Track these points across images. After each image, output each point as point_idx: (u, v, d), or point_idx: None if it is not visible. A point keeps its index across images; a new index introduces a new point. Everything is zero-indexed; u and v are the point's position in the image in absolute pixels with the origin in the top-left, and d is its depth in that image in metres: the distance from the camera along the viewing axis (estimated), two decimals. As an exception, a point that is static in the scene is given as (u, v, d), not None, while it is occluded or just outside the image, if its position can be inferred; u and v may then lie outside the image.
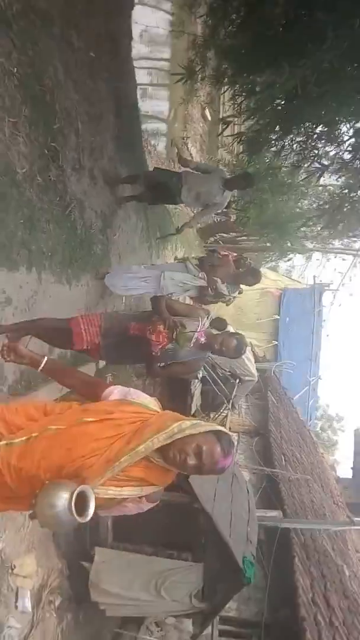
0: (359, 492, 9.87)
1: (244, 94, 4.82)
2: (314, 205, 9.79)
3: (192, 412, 6.19)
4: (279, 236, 10.18)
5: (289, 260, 14.50)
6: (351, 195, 4.87)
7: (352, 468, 11.35)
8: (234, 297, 5.51)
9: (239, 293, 5.63)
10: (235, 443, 1.85)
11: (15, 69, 3.16)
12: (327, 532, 5.46)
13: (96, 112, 4.81)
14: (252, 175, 5.33)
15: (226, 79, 5.05)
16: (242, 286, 5.53)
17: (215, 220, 15.70)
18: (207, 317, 3.64)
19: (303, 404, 13.80)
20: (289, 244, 11.17)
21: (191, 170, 5.27)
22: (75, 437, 1.78)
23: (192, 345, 3.43)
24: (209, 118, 16.36)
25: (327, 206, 6.30)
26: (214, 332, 3.78)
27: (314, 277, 14.95)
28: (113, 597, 3.32)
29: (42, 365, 2.08)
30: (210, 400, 6.97)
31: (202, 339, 3.47)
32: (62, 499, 1.57)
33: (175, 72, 5.99)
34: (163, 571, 3.33)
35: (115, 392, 1.99)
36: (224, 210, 8.30)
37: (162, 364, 3.47)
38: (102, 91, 5.02)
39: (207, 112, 16.26)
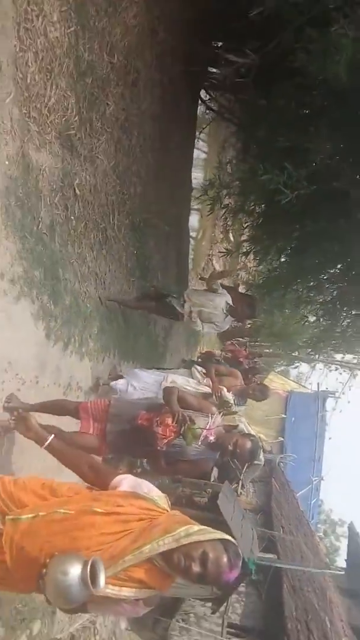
0: (350, 580, 11.13)
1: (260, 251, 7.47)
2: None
3: (211, 480, 8.16)
4: (287, 345, 12.69)
5: (295, 367, 16.92)
6: (333, 329, 7.34)
7: (345, 560, 12.52)
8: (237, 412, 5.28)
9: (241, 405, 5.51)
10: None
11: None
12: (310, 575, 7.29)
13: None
14: (257, 305, 5.46)
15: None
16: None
17: (232, 325, 18.42)
18: (219, 415, 3.62)
19: (305, 503, 15.27)
20: (296, 353, 13.68)
21: (197, 289, 5.39)
22: (82, 527, 1.79)
23: (199, 443, 3.36)
24: (232, 239, 19.81)
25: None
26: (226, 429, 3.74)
27: (318, 384, 17.26)
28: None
29: (47, 443, 2.09)
30: (225, 474, 8.93)
31: (211, 438, 3.39)
32: (75, 568, 1.60)
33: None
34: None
35: (124, 482, 1.99)
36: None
37: (168, 461, 3.40)
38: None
39: (230, 235, 19.75)
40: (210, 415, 3.49)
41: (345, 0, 4.70)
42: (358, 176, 5.56)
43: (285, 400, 14.95)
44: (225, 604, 5.93)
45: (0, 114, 2.72)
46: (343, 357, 15.87)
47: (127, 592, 1.77)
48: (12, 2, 2.82)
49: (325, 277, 6.98)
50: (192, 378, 5.00)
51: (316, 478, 15.89)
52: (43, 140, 3.33)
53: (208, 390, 4.72)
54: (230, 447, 3.26)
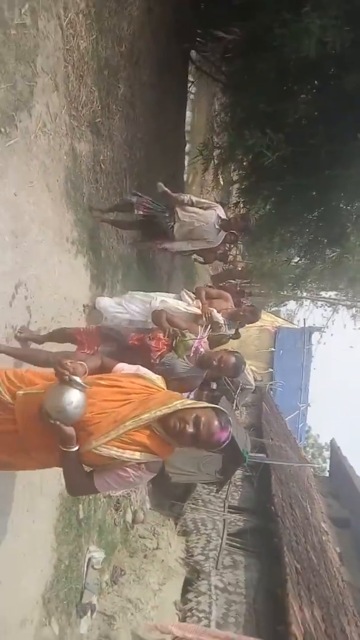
0: (332, 484, 13.20)
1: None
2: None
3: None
4: (276, 284, 14.02)
5: (284, 305, 18.40)
6: (312, 267, 8.65)
7: (328, 470, 14.61)
8: (229, 337, 5.26)
9: (233, 337, 5.43)
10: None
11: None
12: (295, 475, 9.08)
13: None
14: (250, 217, 5.46)
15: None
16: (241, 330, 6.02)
17: (224, 268, 19.63)
18: (206, 330, 3.80)
19: (294, 426, 17.22)
20: (284, 292, 15.08)
21: (187, 206, 5.08)
22: (88, 394, 2.00)
23: (191, 354, 3.51)
24: (222, 183, 20.62)
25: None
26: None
27: (304, 319, 18.86)
28: (175, 469, 6.77)
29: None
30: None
31: (202, 349, 3.56)
32: (63, 384, 1.94)
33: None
34: (203, 457, 6.83)
35: (125, 367, 2.30)
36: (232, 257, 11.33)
37: None
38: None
39: (219, 178, 20.54)
40: (199, 330, 3.75)
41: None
42: (329, 133, 6.66)
43: (274, 335, 16.51)
44: (225, 490, 7.64)
45: (58, 123, 3.85)
46: (327, 295, 17.36)
47: (129, 454, 1.99)
48: (61, 36, 3.88)
49: (304, 223, 8.20)
50: (182, 301, 4.86)
51: (303, 405, 17.79)
52: (81, 132, 4.45)
53: (198, 311, 4.73)
54: (215, 363, 3.38)
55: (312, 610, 5.29)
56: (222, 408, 2.10)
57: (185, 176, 14.46)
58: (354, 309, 17.39)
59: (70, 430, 1.92)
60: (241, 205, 9.71)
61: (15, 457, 2.07)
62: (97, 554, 4.56)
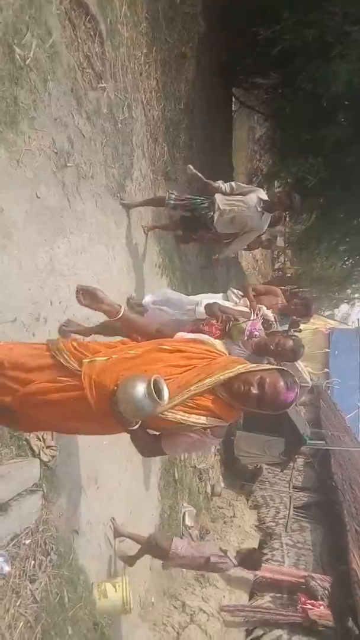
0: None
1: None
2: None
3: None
4: (326, 288, 15.01)
5: (336, 307, 19.20)
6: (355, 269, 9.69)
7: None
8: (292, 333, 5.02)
9: (294, 330, 5.24)
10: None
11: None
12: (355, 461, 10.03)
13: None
14: (294, 195, 5.09)
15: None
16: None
17: (273, 275, 20.68)
18: (260, 314, 3.86)
19: (354, 426, 17.91)
20: (335, 294, 15.99)
21: (224, 193, 4.92)
22: (151, 361, 2.05)
23: (246, 338, 3.55)
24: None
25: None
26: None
27: (358, 320, 19.55)
28: (244, 452, 7.98)
29: (121, 313, 2.21)
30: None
31: (256, 333, 3.61)
32: (141, 383, 1.83)
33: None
34: (267, 441, 8.00)
35: (186, 335, 2.34)
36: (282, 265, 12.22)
37: None
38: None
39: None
40: (252, 312, 3.87)
41: (338, 35, 6.86)
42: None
43: (327, 337, 17.36)
44: (290, 471, 8.75)
45: (146, 180, 5.26)
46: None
47: (195, 418, 1.99)
48: (144, 115, 5.30)
49: (346, 230, 9.28)
50: (229, 301, 4.70)
51: (362, 403, 18.42)
52: (158, 182, 5.83)
53: (246, 309, 4.45)
54: (272, 347, 3.36)
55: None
56: (287, 369, 2.09)
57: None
58: None
59: (133, 422, 1.99)
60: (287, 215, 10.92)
61: (84, 422, 2.10)
62: (190, 510, 5.84)
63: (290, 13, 7.11)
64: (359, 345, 18.41)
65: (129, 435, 2.08)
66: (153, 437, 2.10)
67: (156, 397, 1.82)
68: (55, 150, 3.28)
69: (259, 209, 4.87)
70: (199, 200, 4.89)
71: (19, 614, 2.53)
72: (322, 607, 5.13)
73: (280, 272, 19.66)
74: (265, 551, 6.55)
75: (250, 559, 4.47)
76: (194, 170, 5.07)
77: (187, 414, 2.00)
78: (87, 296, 2.19)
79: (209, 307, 3.86)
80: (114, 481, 4.14)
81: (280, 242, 15.38)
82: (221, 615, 5.22)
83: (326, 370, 16.94)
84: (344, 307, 22.84)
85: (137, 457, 4.65)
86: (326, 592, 5.40)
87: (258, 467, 8.69)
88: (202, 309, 4.18)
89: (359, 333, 18.58)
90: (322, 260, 11.77)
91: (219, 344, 2.32)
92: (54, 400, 1.99)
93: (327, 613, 5.06)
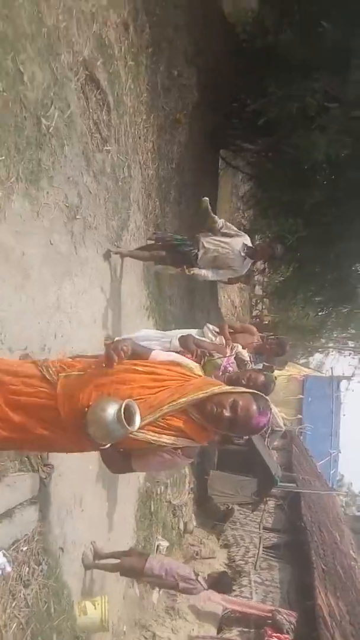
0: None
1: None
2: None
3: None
4: (301, 336, 15.67)
5: (311, 356, 19.87)
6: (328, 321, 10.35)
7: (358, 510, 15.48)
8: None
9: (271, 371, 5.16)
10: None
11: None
12: (325, 506, 10.32)
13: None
14: (277, 245, 5.29)
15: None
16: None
17: (251, 322, 21.37)
18: (235, 350, 3.95)
19: (325, 473, 18.22)
20: (309, 343, 16.65)
21: (212, 235, 5.08)
22: (124, 381, 2.05)
23: (220, 373, 3.63)
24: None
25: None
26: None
27: (331, 368, 20.23)
28: (217, 492, 8.23)
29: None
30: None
31: (230, 368, 3.73)
32: (113, 407, 1.82)
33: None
34: (240, 481, 8.30)
35: (162, 355, 2.30)
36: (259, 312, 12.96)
37: None
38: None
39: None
40: (228, 348, 3.92)
41: (319, 110, 7.70)
42: (338, 214, 8.53)
43: (301, 383, 17.91)
44: (260, 512, 9.02)
45: (139, 231, 5.81)
46: (354, 344, 18.81)
47: (166, 439, 1.99)
48: (140, 174, 5.91)
49: (321, 284, 9.97)
50: (204, 337, 4.59)
51: (334, 451, 18.82)
52: (149, 232, 6.40)
53: (222, 345, 4.43)
54: (244, 382, 3.31)
55: (338, 602, 6.58)
56: (260, 393, 2.10)
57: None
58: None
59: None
60: (266, 267, 11.64)
61: (53, 434, 2.09)
62: (163, 543, 6.07)
63: (275, 88, 7.98)
64: (332, 393, 19.00)
65: (99, 452, 2.11)
66: (123, 454, 2.11)
67: (126, 424, 1.81)
68: (67, 204, 3.78)
69: (242, 254, 5.07)
70: (180, 238, 5.11)
71: (14, 615, 2.81)
72: (287, 639, 5.36)
73: (258, 319, 20.40)
74: (234, 588, 6.74)
75: (220, 582, 4.74)
76: (208, 205, 5.20)
77: (157, 434, 2.00)
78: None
79: (183, 340, 3.89)
80: (96, 506, 4.43)
81: (258, 290, 16.11)
82: (190, 647, 5.40)
83: (299, 416, 17.39)
84: (318, 356, 23.64)
85: (119, 486, 4.97)
86: (292, 626, 5.63)
87: (230, 507, 8.93)
88: (176, 342, 4.14)
89: (332, 381, 19.21)
90: (298, 310, 12.43)
91: (195, 367, 2.27)
92: (28, 404, 2.04)
93: (292, 646, 5.30)
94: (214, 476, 8.49)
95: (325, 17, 7.42)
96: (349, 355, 19.87)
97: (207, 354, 3.67)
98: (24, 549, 2.95)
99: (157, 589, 5.87)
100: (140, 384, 2.06)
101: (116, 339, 4.05)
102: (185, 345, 3.83)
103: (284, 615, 5.78)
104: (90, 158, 4.31)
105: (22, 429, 2.07)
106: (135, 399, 1.95)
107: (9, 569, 2.70)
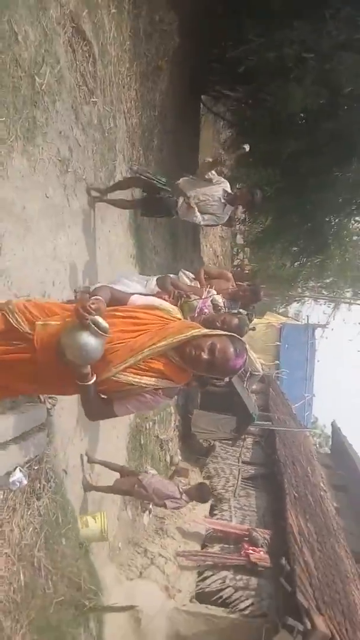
0: (333, 459, 15.26)
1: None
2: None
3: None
4: (280, 286, 16.17)
5: (289, 305, 20.51)
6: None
7: (330, 448, 16.59)
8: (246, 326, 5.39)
9: (249, 327, 6.03)
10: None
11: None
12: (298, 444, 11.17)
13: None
14: (258, 191, 5.28)
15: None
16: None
17: (232, 270, 21.80)
18: (210, 293, 3.97)
19: (300, 415, 19.26)
20: (288, 292, 17.19)
21: (189, 178, 5.09)
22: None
23: (196, 315, 3.66)
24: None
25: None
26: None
27: (307, 316, 20.97)
28: (200, 429, 8.90)
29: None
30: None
31: (206, 310, 3.76)
32: (83, 328, 1.88)
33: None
34: (221, 419, 8.96)
35: (141, 299, 2.33)
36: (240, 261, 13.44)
37: None
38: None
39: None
40: (204, 289, 3.99)
41: (296, 60, 7.80)
42: (314, 165, 8.80)
43: (279, 331, 18.59)
44: (239, 447, 9.76)
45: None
46: (328, 293, 19.45)
47: (147, 380, 2.08)
48: (125, 124, 6.04)
49: (297, 234, 10.34)
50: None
51: (308, 394, 19.83)
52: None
53: (198, 287, 4.58)
54: (218, 324, 3.34)
55: (307, 523, 7.37)
56: (238, 336, 2.17)
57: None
58: (350, 305, 19.57)
59: (84, 368, 1.99)
60: (246, 216, 11.94)
61: (34, 385, 2.15)
62: (152, 471, 6.66)
63: (254, 35, 8.00)
64: (307, 340, 19.78)
65: (80, 396, 2.14)
66: (104, 399, 2.15)
67: (98, 330, 1.88)
68: (59, 159, 4.01)
69: (223, 201, 5.06)
70: (163, 180, 4.97)
71: (29, 521, 3.30)
72: (261, 553, 6.10)
73: (239, 268, 20.80)
74: (215, 512, 7.49)
75: (200, 492, 5.32)
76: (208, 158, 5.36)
77: (138, 376, 2.07)
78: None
79: (161, 281, 3.97)
80: (93, 437, 4.91)
81: (239, 240, 16.41)
82: (177, 560, 6.10)
83: (277, 362, 18.17)
84: (296, 305, 24.36)
85: (112, 420, 5.45)
86: (266, 541, 6.38)
87: (212, 444, 9.64)
88: (153, 282, 4.21)
89: (307, 329, 19.96)
90: (277, 260, 12.84)
91: (174, 309, 2.31)
92: (6, 360, 2.04)
93: (266, 557, 6.03)
94: (197, 415, 9.12)
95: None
96: (324, 303, 20.58)
97: (184, 295, 3.86)
98: (36, 467, 3.41)
99: (147, 512, 6.54)
100: (120, 328, 2.10)
101: (92, 288, 3.82)
102: (163, 286, 3.94)
103: (259, 533, 6.51)
104: (78, 111, 4.49)
105: (1, 385, 2.14)
106: (116, 343, 2.06)
107: (25, 482, 3.16)
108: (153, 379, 2.09)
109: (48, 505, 3.57)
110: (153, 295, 3.66)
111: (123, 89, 6.04)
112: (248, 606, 5.46)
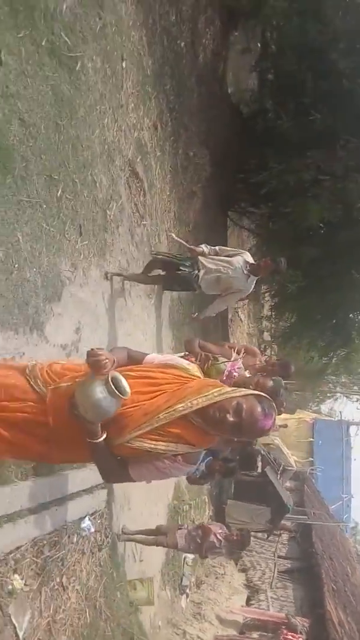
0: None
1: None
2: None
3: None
4: (310, 381, 16.75)
5: (320, 402, 20.86)
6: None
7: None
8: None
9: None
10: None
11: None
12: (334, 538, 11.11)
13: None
14: (282, 259, 5.21)
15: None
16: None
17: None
18: (240, 355, 3.88)
19: (338, 517, 18.73)
20: (319, 388, 17.71)
21: (210, 254, 5.16)
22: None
23: (224, 378, 3.57)
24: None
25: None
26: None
27: (340, 412, 21.13)
28: (234, 520, 9.15)
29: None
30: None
31: (235, 373, 3.65)
32: (98, 381, 1.82)
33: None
34: (255, 509, 9.22)
35: (158, 358, 2.21)
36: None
37: None
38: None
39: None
40: (234, 352, 3.83)
41: (312, 182, 9.23)
42: (333, 269, 9.90)
43: (311, 427, 18.77)
44: (275, 541, 9.87)
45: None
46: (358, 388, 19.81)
47: (163, 446, 1.95)
48: (165, 239, 7.34)
49: (322, 329, 11.22)
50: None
51: (346, 495, 19.39)
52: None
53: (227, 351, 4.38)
54: (252, 387, 3.07)
55: (347, 618, 7.42)
56: (264, 394, 2.06)
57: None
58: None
59: (95, 425, 1.93)
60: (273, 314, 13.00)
61: (47, 448, 2.08)
62: (190, 555, 7.04)
63: (275, 163, 9.56)
64: (342, 436, 19.81)
65: (93, 459, 2.06)
66: (119, 460, 2.05)
67: (117, 392, 1.82)
68: (120, 269, 5.14)
69: (245, 272, 5.04)
70: (183, 257, 5.19)
71: (92, 568, 3.91)
72: (300, 638, 6.24)
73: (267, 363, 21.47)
74: (252, 602, 7.61)
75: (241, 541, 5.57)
76: (177, 238, 5.67)
77: (154, 442, 1.96)
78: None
79: (188, 343, 3.93)
80: (140, 507, 5.52)
81: (267, 336, 17.33)
82: (216, 645, 6.29)
83: (311, 459, 18.16)
84: (328, 403, 24.57)
85: (152, 499, 6.05)
86: (305, 628, 6.51)
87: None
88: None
89: (341, 425, 20.05)
90: (304, 354, 13.61)
91: (193, 368, 2.20)
92: (18, 419, 2.02)
93: (305, 642, 6.18)
94: (230, 505, 9.45)
95: (314, 107, 9.08)
96: (357, 400, 20.84)
97: (212, 357, 3.73)
98: (98, 521, 4.08)
99: (185, 595, 6.81)
100: (134, 390, 1.98)
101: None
102: (190, 348, 3.87)
103: (297, 620, 6.66)
104: (133, 232, 5.71)
105: (17, 445, 2.07)
106: (130, 407, 1.97)
107: (92, 530, 3.83)
108: (171, 444, 1.98)
109: (106, 560, 4.17)
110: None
111: (164, 212, 7.40)
112: None
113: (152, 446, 1.96)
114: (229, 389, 2.05)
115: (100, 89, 4.66)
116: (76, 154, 4.06)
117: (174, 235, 5.93)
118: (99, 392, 1.82)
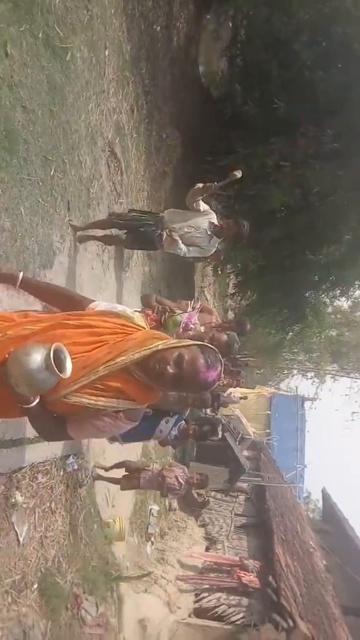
0: (324, 523, 15.90)
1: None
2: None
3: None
4: (268, 357, 17.72)
5: (279, 380, 22.03)
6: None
7: (321, 515, 17.17)
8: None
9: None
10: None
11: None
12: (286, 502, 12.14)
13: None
14: (245, 222, 5.19)
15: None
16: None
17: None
18: (196, 308, 3.86)
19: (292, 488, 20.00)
20: (276, 364, 18.72)
21: (174, 210, 5.15)
22: (52, 338, 1.78)
23: (181, 330, 3.56)
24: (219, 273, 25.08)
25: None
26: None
27: (296, 387, 22.40)
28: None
29: (20, 280, 2.09)
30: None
31: (192, 325, 3.65)
32: (37, 353, 1.63)
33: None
34: (214, 471, 10.07)
35: (101, 305, 2.07)
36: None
37: None
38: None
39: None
40: (190, 305, 3.83)
41: (275, 167, 9.89)
42: (292, 248, 10.67)
43: (269, 400, 19.84)
44: (232, 502, 10.76)
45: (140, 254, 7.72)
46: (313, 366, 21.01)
47: (104, 401, 1.82)
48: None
49: (280, 306, 12.06)
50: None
51: (300, 465, 20.68)
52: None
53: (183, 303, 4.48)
54: (207, 341, 2.85)
55: (294, 562, 8.35)
56: (209, 345, 1.94)
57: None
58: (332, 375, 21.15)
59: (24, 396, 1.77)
60: (236, 292, 13.77)
61: None
62: (155, 507, 7.77)
63: (241, 147, 10.16)
64: (297, 410, 21.00)
65: (28, 419, 1.92)
66: (56, 419, 1.93)
67: (57, 371, 1.67)
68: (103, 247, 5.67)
69: (209, 232, 5.03)
70: (144, 217, 5.07)
71: (75, 500, 4.54)
72: (252, 576, 7.09)
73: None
74: (210, 551, 8.44)
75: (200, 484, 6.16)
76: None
77: (94, 397, 1.84)
78: None
79: (145, 298, 4.04)
80: (114, 457, 6.16)
81: (231, 315, 18.17)
82: (177, 583, 7.05)
83: (268, 430, 19.25)
84: (286, 380, 25.89)
85: (126, 447, 6.69)
86: (256, 568, 7.37)
87: (206, 499, 10.65)
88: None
89: (296, 399, 21.25)
90: (263, 330, 14.49)
91: (137, 317, 2.10)
92: None
93: (256, 579, 7.02)
94: (193, 467, 10.22)
95: (278, 96, 9.69)
96: (311, 378, 22.14)
97: (168, 310, 3.77)
98: (80, 461, 4.70)
99: (150, 543, 7.55)
100: (72, 340, 1.86)
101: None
102: (147, 302, 3.94)
103: (250, 562, 7.51)
104: (112, 209, 6.22)
105: None
106: None
107: (76, 467, 4.45)
108: (112, 399, 1.87)
109: (86, 496, 4.81)
110: (138, 310, 3.59)
111: (139, 191, 7.92)
112: (240, 619, 6.41)
113: (92, 402, 1.84)
114: (174, 340, 1.95)
115: (86, 77, 5.11)
116: (66, 137, 4.54)
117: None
118: (35, 363, 1.66)
